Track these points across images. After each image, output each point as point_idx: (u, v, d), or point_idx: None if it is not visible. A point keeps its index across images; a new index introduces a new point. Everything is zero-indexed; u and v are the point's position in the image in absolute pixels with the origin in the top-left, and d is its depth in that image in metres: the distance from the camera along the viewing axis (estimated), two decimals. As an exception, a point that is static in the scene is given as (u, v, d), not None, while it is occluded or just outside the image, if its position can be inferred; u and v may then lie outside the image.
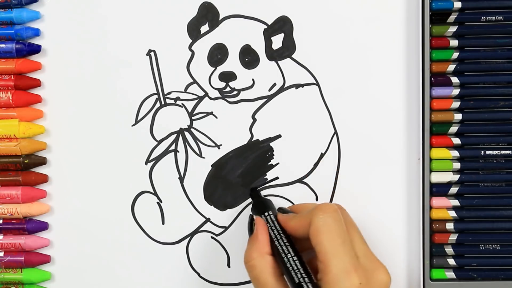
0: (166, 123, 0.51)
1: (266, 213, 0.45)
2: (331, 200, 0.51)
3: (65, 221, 0.52)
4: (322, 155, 0.51)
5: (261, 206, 0.47)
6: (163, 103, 0.51)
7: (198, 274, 0.52)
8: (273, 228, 0.44)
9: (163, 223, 0.52)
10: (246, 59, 0.51)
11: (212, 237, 0.51)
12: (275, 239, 0.43)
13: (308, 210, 0.43)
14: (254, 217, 0.46)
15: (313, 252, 0.41)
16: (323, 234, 0.40)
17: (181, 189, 0.51)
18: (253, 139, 0.51)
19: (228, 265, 0.51)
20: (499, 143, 0.50)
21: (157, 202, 0.52)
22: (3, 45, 0.51)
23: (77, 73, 0.52)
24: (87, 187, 0.52)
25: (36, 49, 0.51)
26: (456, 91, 0.50)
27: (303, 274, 0.41)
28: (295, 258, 0.42)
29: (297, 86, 0.51)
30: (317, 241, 0.40)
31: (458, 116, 0.50)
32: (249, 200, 0.51)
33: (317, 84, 0.51)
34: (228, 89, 0.51)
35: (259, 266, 0.42)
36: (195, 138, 0.51)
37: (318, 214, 0.41)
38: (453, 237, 0.50)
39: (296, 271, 0.41)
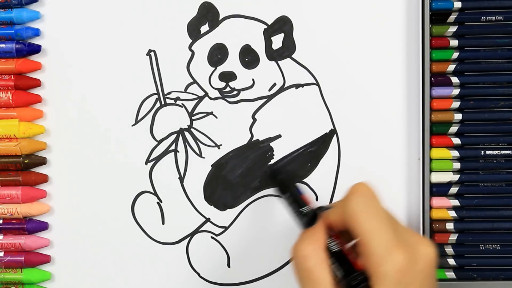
0: (166, 123, 0.51)
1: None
2: (331, 200, 0.51)
3: (65, 221, 0.52)
4: (322, 155, 0.51)
5: (285, 185, 0.46)
6: (163, 103, 0.51)
7: (198, 274, 0.52)
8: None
9: (163, 223, 0.52)
10: (246, 59, 0.51)
11: (212, 237, 0.51)
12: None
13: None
14: (321, 214, 0.42)
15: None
16: (358, 214, 0.37)
17: (181, 189, 0.51)
18: (253, 139, 0.51)
19: (228, 265, 0.51)
20: (499, 143, 0.50)
21: (157, 202, 0.52)
22: (3, 45, 0.51)
23: (77, 73, 0.52)
24: (87, 187, 0.52)
25: (36, 49, 0.51)
26: (456, 91, 0.50)
27: (356, 274, 0.38)
28: (344, 255, 0.39)
29: (297, 86, 0.51)
30: (355, 224, 0.37)
31: (458, 116, 0.50)
32: (249, 200, 0.51)
33: (317, 84, 0.51)
34: (228, 89, 0.51)
35: (315, 258, 0.38)
36: (195, 138, 0.51)
37: (350, 197, 0.39)
38: (453, 237, 0.50)
39: (351, 271, 0.38)
